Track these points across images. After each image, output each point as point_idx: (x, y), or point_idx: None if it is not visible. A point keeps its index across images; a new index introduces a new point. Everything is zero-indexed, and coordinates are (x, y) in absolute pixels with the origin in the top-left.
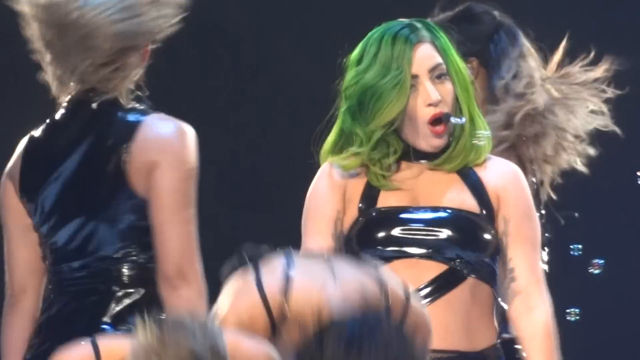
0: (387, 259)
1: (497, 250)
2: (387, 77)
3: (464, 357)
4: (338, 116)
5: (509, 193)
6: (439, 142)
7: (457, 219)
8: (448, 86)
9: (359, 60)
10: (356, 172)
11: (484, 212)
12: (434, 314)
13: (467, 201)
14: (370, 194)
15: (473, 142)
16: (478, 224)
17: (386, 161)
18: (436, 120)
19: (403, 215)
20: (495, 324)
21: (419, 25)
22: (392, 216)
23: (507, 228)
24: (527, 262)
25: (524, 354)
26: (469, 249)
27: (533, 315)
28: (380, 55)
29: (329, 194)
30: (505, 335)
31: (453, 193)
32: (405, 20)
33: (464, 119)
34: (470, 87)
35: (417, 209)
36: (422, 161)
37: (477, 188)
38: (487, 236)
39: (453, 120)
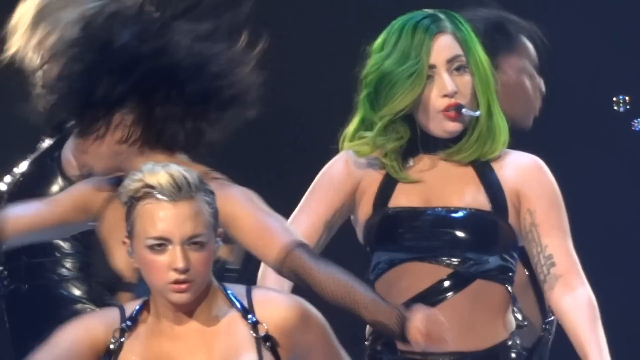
0: (397, 261)
1: (512, 247)
2: (405, 66)
3: (467, 357)
4: (358, 104)
5: (530, 186)
6: (452, 126)
7: (467, 219)
8: (466, 78)
9: (381, 48)
10: (375, 164)
11: (497, 209)
12: (436, 318)
13: (479, 199)
14: (385, 191)
15: (468, 114)
16: (489, 222)
17: (390, 146)
18: (450, 109)
19: (414, 217)
20: (508, 320)
21: (442, 15)
22: (404, 217)
23: (535, 219)
24: (561, 249)
25: (570, 327)
26: (478, 250)
27: (576, 293)
28: (400, 43)
29: (342, 181)
30: None
31: (466, 190)
32: (429, 11)
33: (478, 112)
34: (490, 81)
35: (429, 210)
36: (438, 152)
37: (492, 185)
38: (497, 234)
39: (465, 112)
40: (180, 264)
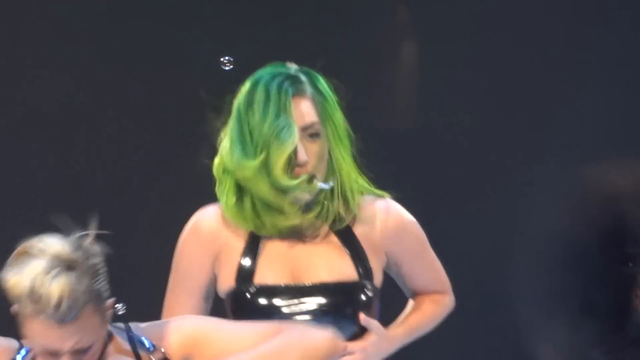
0: None
1: (376, 299)
2: (277, 122)
3: None
4: (227, 135)
5: (392, 242)
6: (302, 197)
7: (334, 293)
8: (318, 145)
9: (249, 101)
10: (233, 228)
11: (363, 273)
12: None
13: (345, 269)
14: (247, 263)
15: (318, 185)
16: (356, 292)
17: (246, 202)
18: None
19: (279, 297)
20: None
21: (303, 78)
22: (269, 297)
23: (400, 270)
24: (426, 284)
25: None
26: (345, 319)
27: (436, 296)
28: (270, 105)
29: (199, 255)
30: None
31: (332, 262)
32: (291, 69)
33: (330, 184)
34: (347, 147)
35: (294, 289)
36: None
37: (356, 250)
38: (363, 298)
39: (320, 185)
40: None
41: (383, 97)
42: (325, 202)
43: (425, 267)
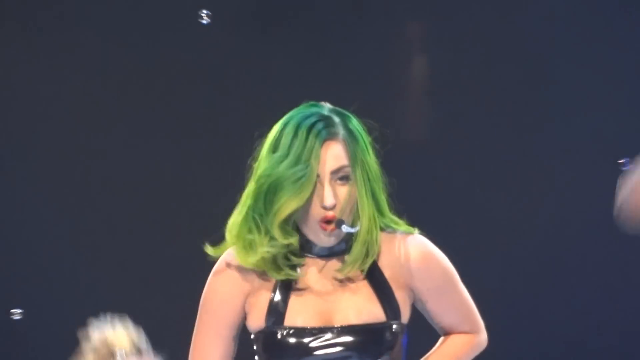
0: None
1: (402, 335)
2: (294, 169)
3: None
4: (245, 197)
5: (419, 278)
6: (326, 240)
7: (361, 334)
8: (347, 189)
9: (274, 145)
10: (260, 272)
11: (390, 313)
12: None
13: (372, 310)
14: (278, 304)
15: (345, 230)
16: (382, 332)
17: (275, 250)
18: (328, 221)
19: (310, 338)
20: None
21: (336, 119)
22: (299, 338)
23: (426, 306)
24: (454, 325)
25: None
26: (370, 357)
27: (465, 336)
28: (294, 146)
29: (230, 294)
30: None
31: (360, 304)
32: (324, 109)
33: (357, 228)
34: (377, 193)
35: (323, 331)
36: (322, 259)
37: (383, 289)
38: (388, 338)
39: (344, 228)
40: None
41: (397, 112)
42: (346, 255)
43: (452, 304)
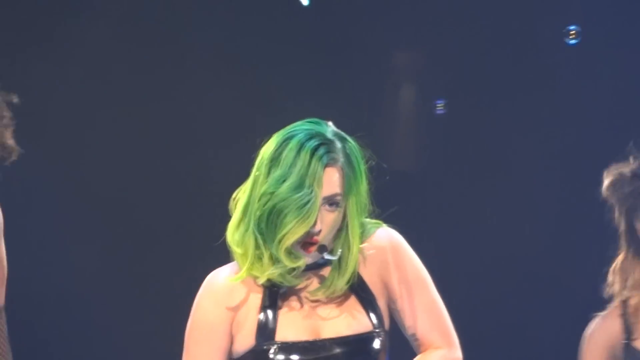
0: None
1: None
2: (299, 195)
3: None
4: (246, 205)
5: (389, 273)
6: (301, 262)
7: (351, 345)
8: (334, 216)
9: (276, 158)
10: (249, 288)
11: (376, 323)
12: None
13: (362, 321)
14: (267, 321)
15: (326, 257)
16: (371, 341)
17: (283, 274)
18: (311, 244)
19: (302, 353)
20: None
21: (338, 144)
22: (291, 354)
23: (397, 306)
24: (424, 328)
25: None
26: None
27: (435, 351)
28: (297, 167)
29: (219, 318)
30: None
31: (348, 314)
32: (328, 132)
33: (336, 257)
34: (361, 221)
35: (314, 344)
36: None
37: (367, 297)
38: (376, 347)
39: (326, 255)
40: None
41: (383, 140)
42: (332, 274)
43: (423, 306)
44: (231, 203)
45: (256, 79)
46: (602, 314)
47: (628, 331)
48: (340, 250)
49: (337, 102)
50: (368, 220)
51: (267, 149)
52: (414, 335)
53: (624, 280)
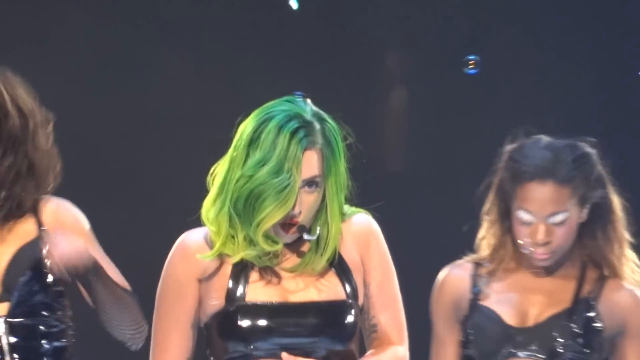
0: (250, 355)
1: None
2: (278, 179)
3: None
4: (223, 183)
5: (368, 256)
6: (284, 238)
7: (323, 312)
8: (314, 197)
9: (254, 140)
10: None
11: (350, 293)
12: None
13: (335, 289)
14: (237, 286)
15: (305, 237)
16: (346, 311)
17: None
18: (291, 224)
19: (270, 315)
20: None
21: (317, 126)
22: (260, 315)
23: (368, 291)
24: (386, 321)
25: None
26: (336, 339)
27: (387, 347)
28: (276, 150)
29: (188, 275)
30: None
31: (323, 281)
32: (307, 112)
33: (315, 236)
34: (341, 202)
35: (285, 307)
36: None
37: (342, 268)
38: (351, 321)
39: (305, 236)
40: None
41: (373, 142)
42: (310, 253)
43: (389, 298)
44: (209, 178)
45: (245, 79)
46: (454, 266)
47: (475, 293)
48: (319, 229)
49: (328, 102)
50: (353, 209)
51: (245, 129)
52: (374, 326)
53: (495, 251)
